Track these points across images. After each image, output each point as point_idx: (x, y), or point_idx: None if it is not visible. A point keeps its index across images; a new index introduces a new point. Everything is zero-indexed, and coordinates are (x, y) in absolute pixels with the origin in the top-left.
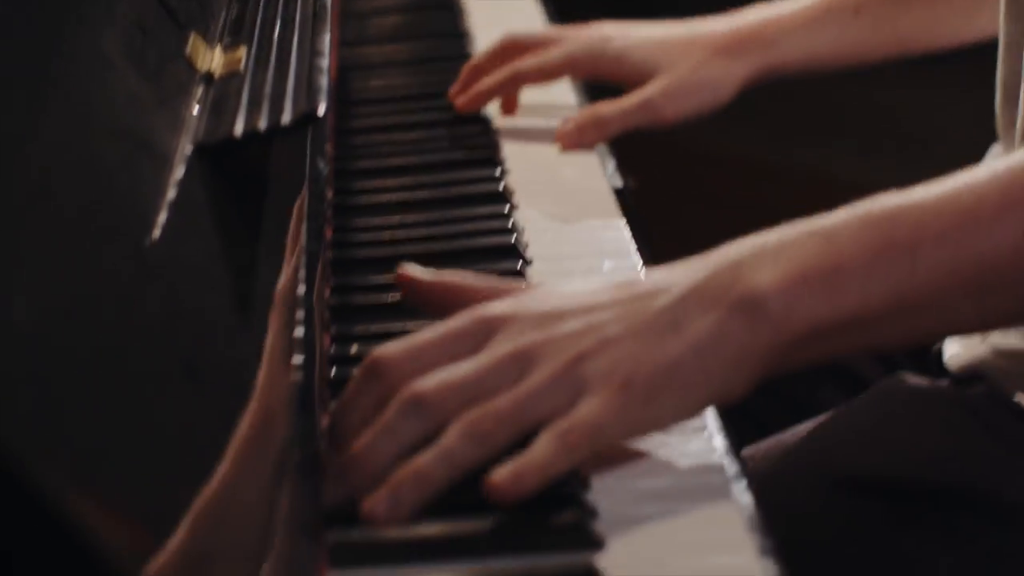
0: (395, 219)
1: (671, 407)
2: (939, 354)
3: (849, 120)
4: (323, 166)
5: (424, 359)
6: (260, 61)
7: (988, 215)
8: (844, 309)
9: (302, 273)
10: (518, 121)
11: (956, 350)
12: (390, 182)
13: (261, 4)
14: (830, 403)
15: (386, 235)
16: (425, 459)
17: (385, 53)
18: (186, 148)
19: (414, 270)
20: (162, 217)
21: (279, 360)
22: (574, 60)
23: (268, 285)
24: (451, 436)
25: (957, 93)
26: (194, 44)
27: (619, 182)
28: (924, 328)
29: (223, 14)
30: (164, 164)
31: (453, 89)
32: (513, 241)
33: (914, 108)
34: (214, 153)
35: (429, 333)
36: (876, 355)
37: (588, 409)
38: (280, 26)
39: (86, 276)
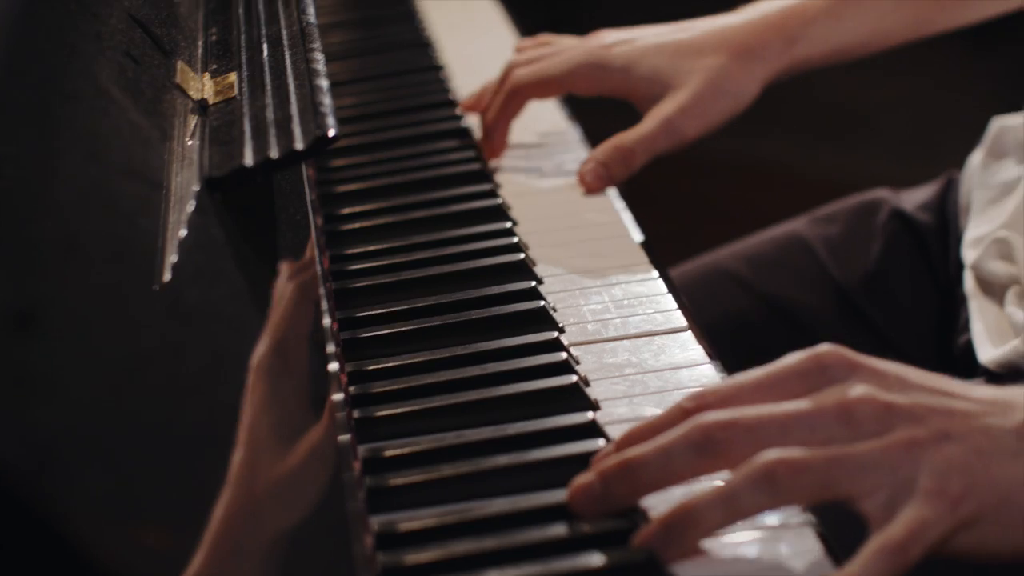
0: (393, 244)
1: (981, 541)
2: (965, 347)
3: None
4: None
5: (743, 397)
6: (255, 85)
7: None
8: None
9: (323, 308)
10: (513, 161)
11: (990, 348)
12: (380, 204)
13: (242, 26)
14: None
15: (384, 261)
16: (704, 499)
17: (352, 69)
18: (192, 181)
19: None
20: (173, 258)
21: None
22: (574, 74)
23: (291, 325)
24: (738, 478)
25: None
26: (182, 72)
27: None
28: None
29: (201, 39)
30: (168, 197)
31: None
32: (522, 258)
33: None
34: (224, 186)
35: (762, 371)
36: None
37: (913, 514)
38: (268, 47)
39: (106, 325)
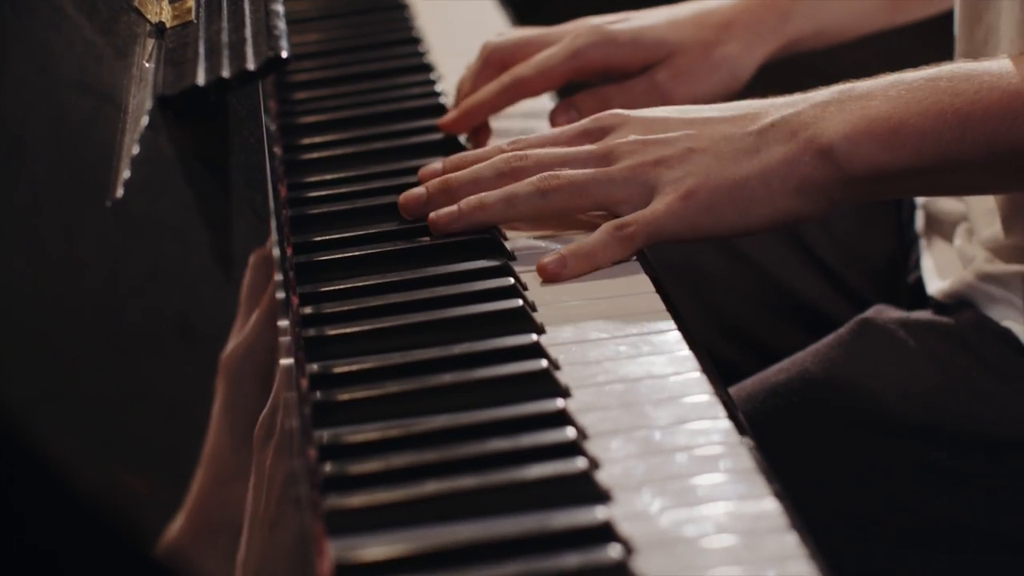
0: (350, 174)
1: (730, 220)
2: (914, 286)
3: None
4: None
5: (546, 143)
6: (212, 10)
7: None
8: (899, 160)
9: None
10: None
11: (938, 280)
12: (340, 135)
13: None
14: (803, 346)
15: (342, 190)
16: (492, 193)
17: (319, 6)
18: (147, 101)
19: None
20: (126, 173)
21: (257, 320)
22: (581, 55)
23: (241, 242)
24: (521, 183)
25: None
26: None
27: None
28: (972, 183)
29: None
30: (125, 117)
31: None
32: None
33: None
34: (175, 104)
35: (559, 128)
36: (845, 294)
37: (651, 209)
38: None
39: (53, 235)
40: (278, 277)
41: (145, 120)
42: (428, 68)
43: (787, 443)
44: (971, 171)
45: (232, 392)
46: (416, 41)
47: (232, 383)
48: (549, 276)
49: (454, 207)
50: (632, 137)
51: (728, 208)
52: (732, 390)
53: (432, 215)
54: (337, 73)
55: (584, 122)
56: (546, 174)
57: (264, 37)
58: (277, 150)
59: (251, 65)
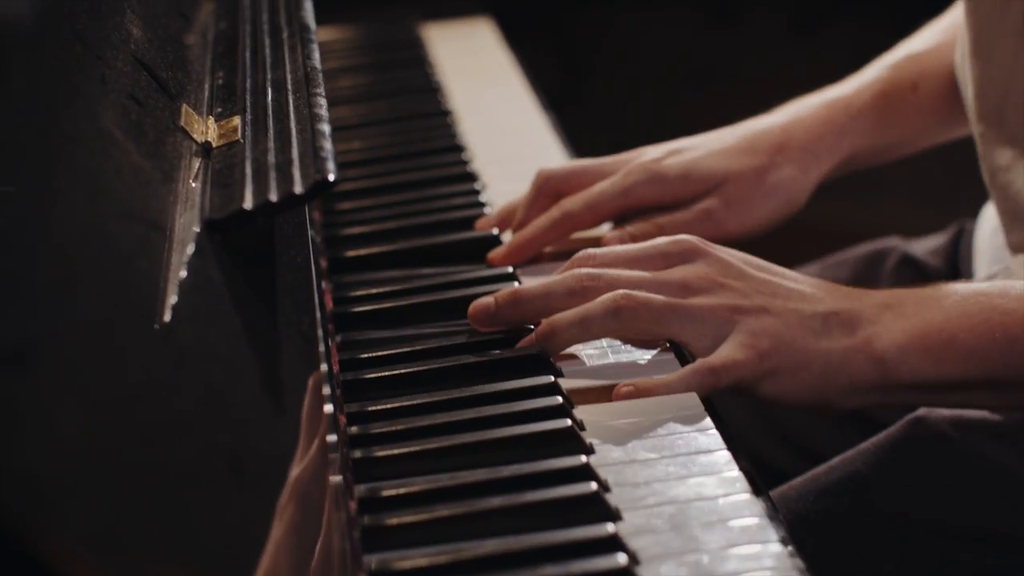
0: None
1: (786, 389)
2: None
3: None
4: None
5: (618, 263)
6: (258, 129)
7: None
8: (944, 374)
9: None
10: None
11: None
12: (385, 247)
13: (248, 71)
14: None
15: (388, 304)
16: (564, 316)
17: (361, 113)
18: (194, 223)
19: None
20: (172, 300)
21: (309, 452)
22: (632, 193)
23: (290, 370)
24: (595, 304)
25: None
26: (187, 115)
27: None
28: (1007, 399)
29: (208, 82)
30: (172, 242)
31: (486, 230)
32: None
33: None
34: (223, 228)
35: (636, 246)
36: None
37: (731, 357)
38: (272, 91)
39: (102, 372)
40: (327, 406)
41: (192, 246)
42: (472, 177)
43: (837, 545)
44: (1010, 390)
45: (287, 529)
46: (459, 149)
47: (286, 519)
48: (631, 397)
49: (531, 335)
50: (709, 272)
51: (788, 380)
52: (782, 489)
53: (521, 342)
54: (380, 182)
55: (663, 243)
56: (622, 293)
57: (311, 158)
58: (322, 262)
59: (299, 188)
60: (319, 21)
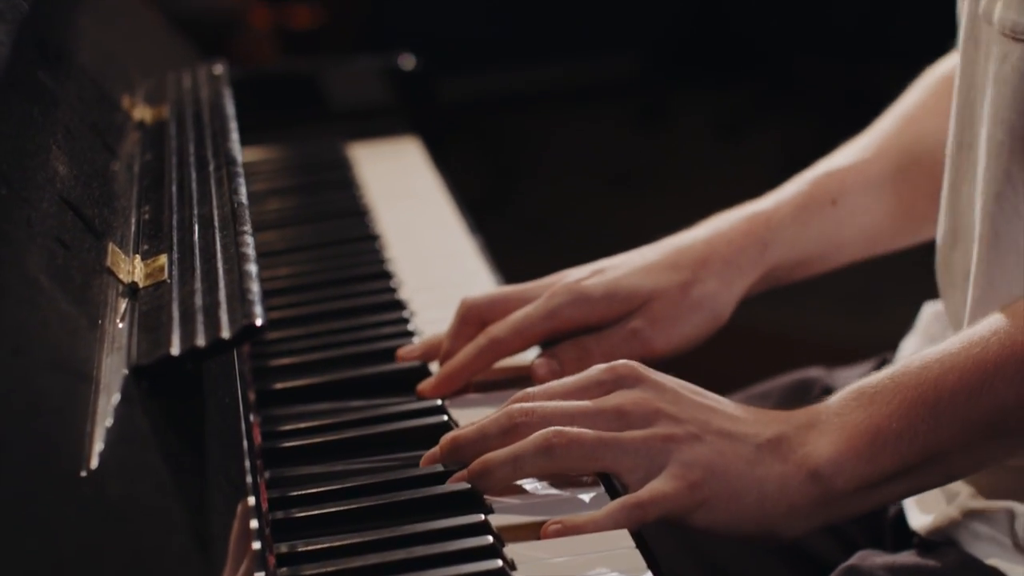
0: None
1: (712, 521)
2: (895, 521)
3: None
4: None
5: (555, 396)
6: (184, 269)
7: (991, 369)
8: (882, 467)
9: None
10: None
11: (920, 515)
12: (314, 379)
13: (174, 206)
14: None
15: (317, 439)
16: (497, 455)
17: (288, 237)
18: (121, 369)
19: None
20: (99, 449)
21: None
22: (557, 315)
23: (219, 514)
24: (527, 441)
25: None
26: (113, 255)
27: None
28: (958, 468)
29: (135, 217)
30: (100, 389)
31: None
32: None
33: None
34: (151, 375)
35: (571, 379)
36: (831, 532)
37: (660, 490)
38: (199, 228)
39: (24, 515)
40: (256, 544)
41: (118, 395)
42: (400, 306)
43: None
44: (953, 457)
45: None
46: (387, 276)
47: None
48: (558, 536)
49: (464, 472)
50: (644, 398)
51: (722, 510)
52: None
53: (454, 479)
54: (309, 311)
55: (597, 372)
56: (553, 430)
57: (238, 301)
58: (250, 395)
59: (226, 334)
60: (247, 140)
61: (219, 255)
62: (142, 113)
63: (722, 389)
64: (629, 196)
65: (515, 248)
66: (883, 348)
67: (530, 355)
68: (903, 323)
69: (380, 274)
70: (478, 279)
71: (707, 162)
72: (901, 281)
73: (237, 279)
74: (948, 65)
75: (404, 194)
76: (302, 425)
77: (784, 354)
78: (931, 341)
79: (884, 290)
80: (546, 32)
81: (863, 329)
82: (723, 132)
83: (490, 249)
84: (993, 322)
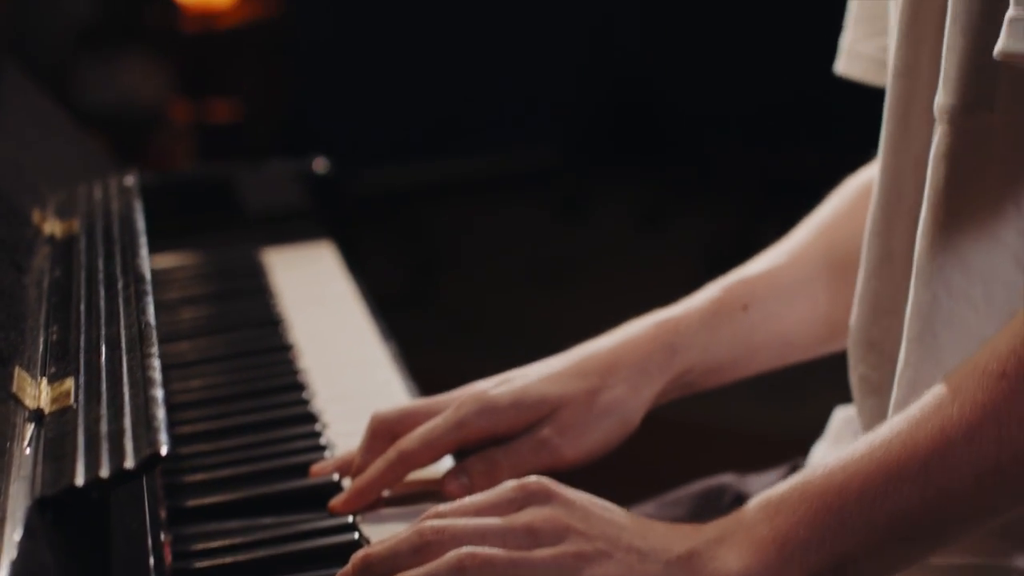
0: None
1: None
2: None
3: None
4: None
5: (469, 514)
6: (91, 394)
7: (895, 471)
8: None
9: None
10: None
11: None
12: (225, 496)
13: (82, 325)
14: None
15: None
16: (408, 574)
17: (201, 348)
18: (25, 498)
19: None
20: None
21: None
22: (465, 425)
23: None
24: (440, 562)
25: None
26: (19, 379)
27: None
28: (868, 574)
29: (42, 337)
30: (5, 519)
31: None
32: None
33: None
34: (54, 506)
35: (482, 496)
36: None
37: None
38: (106, 351)
39: None
40: None
41: (20, 528)
42: (312, 419)
43: None
44: (863, 563)
45: None
46: (300, 388)
47: None
48: None
49: None
50: (554, 515)
51: None
52: None
53: None
54: (221, 425)
55: (508, 490)
56: (465, 551)
57: (144, 428)
58: (161, 512)
59: (130, 463)
60: (162, 246)
61: (125, 379)
62: (52, 227)
63: (639, 484)
64: (551, 288)
65: (437, 344)
66: (806, 436)
67: (444, 465)
68: (824, 412)
69: (293, 386)
70: (391, 388)
71: (629, 252)
72: (822, 369)
73: (143, 404)
74: (866, 175)
75: (317, 301)
76: (213, 544)
77: (702, 445)
78: (840, 447)
79: (805, 379)
80: (466, 122)
81: (784, 417)
82: (645, 222)
83: (411, 346)
84: (896, 423)
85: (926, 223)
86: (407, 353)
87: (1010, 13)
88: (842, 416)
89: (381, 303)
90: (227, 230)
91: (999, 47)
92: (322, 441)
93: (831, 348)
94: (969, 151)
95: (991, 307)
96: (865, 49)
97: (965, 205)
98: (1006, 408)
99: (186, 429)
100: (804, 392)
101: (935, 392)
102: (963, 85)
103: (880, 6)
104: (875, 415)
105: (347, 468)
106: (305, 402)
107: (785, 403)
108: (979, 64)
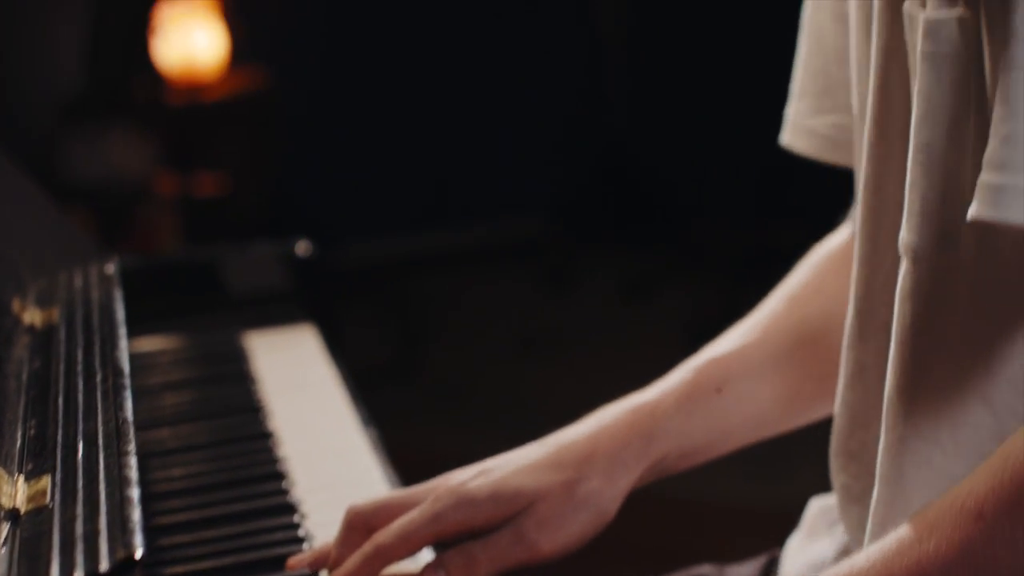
0: None
1: None
2: None
3: None
4: None
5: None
6: (67, 492)
7: None
8: None
9: None
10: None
11: None
12: None
13: (60, 420)
14: None
15: None
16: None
17: (182, 435)
18: None
19: None
20: None
21: None
22: (442, 519)
23: None
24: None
25: None
26: None
27: None
28: None
29: (20, 431)
30: None
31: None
32: None
33: None
34: None
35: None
36: None
37: None
38: (83, 447)
39: None
40: None
41: None
42: (291, 509)
43: None
44: None
45: None
46: (280, 477)
47: None
48: None
49: None
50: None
51: None
52: None
53: None
54: (200, 515)
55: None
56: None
57: (119, 530)
58: None
59: (104, 566)
60: (144, 330)
61: (102, 476)
62: (32, 317)
63: (623, 560)
64: (537, 360)
65: (425, 415)
66: (788, 509)
67: (422, 558)
68: (808, 485)
69: (272, 475)
70: (371, 476)
71: (615, 325)
72: (805, 442)
73: (118, 504)
74: (835, 241)
75: (298, 386)
76: None
77: (684, 519)
78: (814, 539)
79: (789, 452)
80: (453, 195)
81: (766, 492)
82: (630, 295)
83: (399, 418)
84: (871, 554)
85: (894, 362)
86: (394, 425)
87: (983, 177)
88: (817, 506)
89: (369, 375)
90: (210, 313)
91: (972, 212)
92: (300, 533)
93: (802, 422)
94: (936, 289)
95: (959, 448)
96: (813, 124)
97: (932, 345)
98: (981, 551)
99: (166, 520)
100: (789, 466)
101: (913, 524)
102: (926, 224)
103: (830, 82)
104: (859, 523)
105: (324, 561)
106: (285, 492)
107: (768, 478)
108: (941, 205)
